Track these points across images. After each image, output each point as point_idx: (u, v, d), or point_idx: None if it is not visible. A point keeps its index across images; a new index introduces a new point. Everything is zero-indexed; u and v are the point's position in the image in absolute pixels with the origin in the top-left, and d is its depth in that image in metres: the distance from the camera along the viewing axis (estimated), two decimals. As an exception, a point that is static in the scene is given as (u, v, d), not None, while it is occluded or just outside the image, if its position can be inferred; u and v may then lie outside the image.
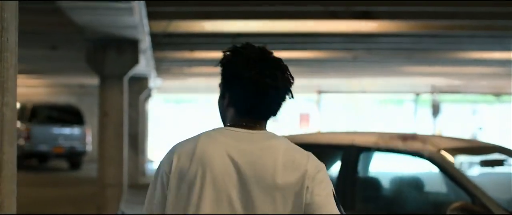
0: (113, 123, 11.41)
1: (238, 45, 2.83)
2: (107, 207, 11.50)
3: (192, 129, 32.53)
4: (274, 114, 2.80)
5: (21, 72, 20.79)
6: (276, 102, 2.79)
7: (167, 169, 2.74)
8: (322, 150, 6.07)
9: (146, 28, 10.75)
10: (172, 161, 2.73)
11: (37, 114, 24.68)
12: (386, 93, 31.98)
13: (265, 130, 2.77)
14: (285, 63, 2.79)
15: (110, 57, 11.27)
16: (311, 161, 2.73)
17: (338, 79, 27.13)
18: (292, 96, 2.81)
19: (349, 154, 5.69)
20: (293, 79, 2.81)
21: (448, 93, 29.34)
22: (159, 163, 2.83)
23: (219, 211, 2.64)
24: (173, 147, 2.81)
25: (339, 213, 2.67)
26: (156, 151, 30.08)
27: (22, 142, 23.72)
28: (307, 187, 2.66)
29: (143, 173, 21.80)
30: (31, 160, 25.27)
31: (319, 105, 30.86)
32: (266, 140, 2.72)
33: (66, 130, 24.52)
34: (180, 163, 2.71)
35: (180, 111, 32.79)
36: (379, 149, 5.60)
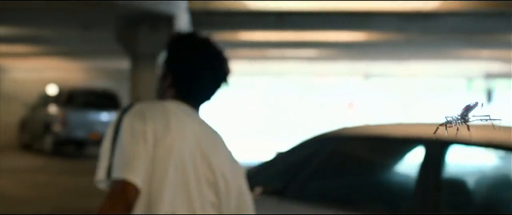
0: (146, 108, 10.36)
1: (185, 33, 3.05)
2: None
3: (232, 113, 31.73)
4: (209, 99, 3.06)
5: (55, 53, 19.95)
6: (213, 88, 3.04)
7: (146, 128, 2.79)
8: (395, 144, 4.99)
9: (184, 4, 9.71)
10: (148, 125, 2.79)
11: (73, 99, 23.87)
12: (437, 79, 30.66)
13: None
14: (226, 55, 3.03)
15: (143, 35, 10.19)
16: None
17: (386, 63, 25.95)
18: (227, 84, 3.07)
19: (432, 149, 4.55)
20: (230, 70, 3.04)
21: (502, 79, 27.98)
22: (125, 122, 2.81)
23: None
24: (141, 109, 2.85)
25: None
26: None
27: (57, 128, 22.99)
28: (239, 185, 2.99)
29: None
30: (67, 147, 24.51)
31: (365, 91, 29.68)
32: (213, 130, 3.02)
33: (103, 116, 23.71)
34: (156, 130, 2.79)
35: (220, 96, 31.68)
36: (476, 144, 4.45)
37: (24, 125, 25.87)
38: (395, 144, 5.16)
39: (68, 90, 24.04)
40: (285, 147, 5.19)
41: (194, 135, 2.87)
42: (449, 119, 2.39)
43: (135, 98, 10.38)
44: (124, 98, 24.95)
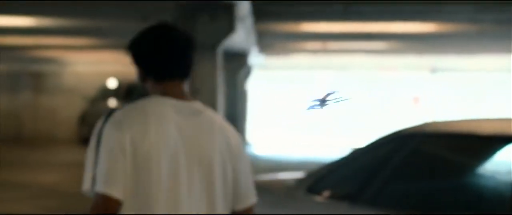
0: (205, 102, 9.72)
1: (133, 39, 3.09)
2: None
3: (295, 109, 31.15)
4: (183, 70, 3.01)
5: (114, 46, 19.68)
6: (177, 60, 3.01)
7: (122, 138, 2.83)
8: (484, 142, 4.35)
9: (245, -7, 9.15)
10: (125, 130, 2.84)
11: (133, 92, 23.57)
12: (508, 73, 29.63)
13: (189, 96, 2.99)
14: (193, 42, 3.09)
15: (201, 24, 9.61)
16: (236, 136, 2.98)
17: (455, 56, 25.10)
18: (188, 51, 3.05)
19: None
20: (181, 40, 3.04)
21: None
22: (105, 134, 2.88)
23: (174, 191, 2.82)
24: (118, 118, 2.89)
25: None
26: (255, 133, 28.76)
27: (117, 121, 22.66)
28: (234, 164, 2.95)
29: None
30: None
31: (431, 86, 28.86)
32: (200, 112, 2.96)
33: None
34: (134, 139, 2.82)
35: (283, 90, 31.30)
36: None
37: (83, 119, 25.70)
38: (484, 142, 4.51)
39: (128, 84, 23.77)
40: (355, 143, 4.52)
41: (178, 128, 2.88)
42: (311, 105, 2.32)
43: (194, 91, 9.82)
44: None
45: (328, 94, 3.06)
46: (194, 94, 9.87)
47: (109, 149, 2.85)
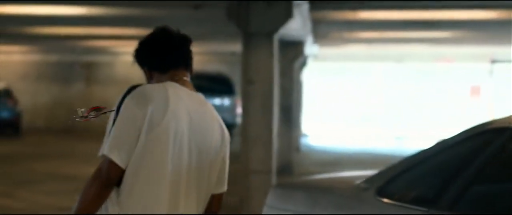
0: (260, 93, 9.18)
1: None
2: (252, 200, 9.37)
3: (350, 101, 30.67)
4: (181, 63, 3.37)
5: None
6: (173, 55, 3.36)
7: (139, 112, 3.11)
8: None
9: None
10: (147, 108, 3.11)
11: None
12: None
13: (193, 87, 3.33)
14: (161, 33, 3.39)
15: (257, 10, 9.03)
16: (225, 128, 3.34)
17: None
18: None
19: None
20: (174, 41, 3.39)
21: None
22: (124, 104, 3.17)
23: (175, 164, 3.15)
24: (143, 92, 3.18)
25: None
26: (310, 124, 28.30)
27: (168, 113, 22.38)
28: (224, 153, 3.30)
29: (297, 148, 19.86)
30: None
31: (492, 77, 28.02)
32: (205, 102, 3.31)
33: (215, 100, 22.98)
34: (155, 112, 3.10)
35: (337, 81, 30.73)
36: None
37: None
38: None
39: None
40: (442, 134, 3.93)
41: (188, 113, 3.19)
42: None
43: (247, 81, 9.30)
44: (238, 82, 24.24)
45: (93, 109, 3.37)
46: (248, 85, 9.36)
47: (124, 119, 3.15)
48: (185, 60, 3.42)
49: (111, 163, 3.11)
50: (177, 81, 3.28)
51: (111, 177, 3.12)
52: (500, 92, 28.51)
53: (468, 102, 28.75)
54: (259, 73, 9.14)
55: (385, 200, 4.36)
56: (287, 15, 9.10)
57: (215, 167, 3.28)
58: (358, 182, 4.67)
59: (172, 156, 3.13)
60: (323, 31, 17.53)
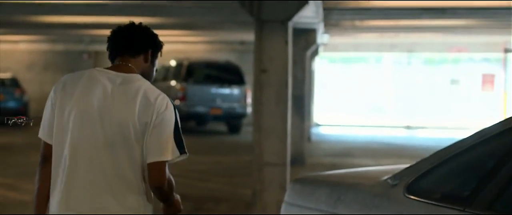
0: (274, 82, 8.81)
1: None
2: (266, 193, 9.05)
3: (361, 90, 30.34)
4: (126, 51, 3.78)
5: (175, 25, 19.11)
6: (121, 46, 3.80)
7: (54, 95, 3.70)
8: None
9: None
10: (59, 89, 3.69)
11: (193, 72, 22.93)
12: None
13: (132, 70, 3.71)
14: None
15: (270, -2, 8.70)
16: (158, 97, 3.62)
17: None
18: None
19: None
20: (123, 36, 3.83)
21: None
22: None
23: (82, 136, 3.60)
24: (61, 79, 3.76)
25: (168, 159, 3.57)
26: (321, 114, 28.03)
27: (177, 102, 22.10)
28: (155, 124, 3.56)
29: (308, 138, 19.57)
30: (187, 122, 23.62)
31: (506, 66, 27.64)
32: (130, 81, 3.66)
33: (225, 90, 22.71)
34: (64, 92, 3.65)
35: (347, 71, 30.40)
36: None
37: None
38: None
39: (189, 63, 23.11)
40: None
41: (104, 91, 3.61)
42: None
43: (261, 70, 8.96)
44: (247, 71, 23.95)
45: (14, 118, 4.05)
46: (261, 74, 9.03)
47: (47, 105, 3.71)
48: (126, 49, 3.77)
49: (44, 143, 3.71)
50: (118, 66, 3.72)
51: (42, 153, 3.72)
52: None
53: (481, 92, 28.37)
54: (273, 62, 8.79)
55: (415, 198, 4.04)
56: (302, 2, 8.74)
57: (137, 138, 3.55)
58: (385, 177, 4.34)
59: (73, 132, 3.59)
60: (334, 20, 17.19)
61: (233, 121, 23.14)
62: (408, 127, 27.88)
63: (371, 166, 15.41)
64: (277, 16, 8.70)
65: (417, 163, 4.26)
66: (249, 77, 23.91)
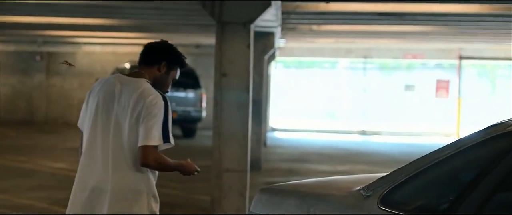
0: (235, 86, 8.56)
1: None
2: (225, 200, 8.81)
3: (316, 95, 30.22)
4: (145, 63, 4.72)
5: (131, 27, 18.81)
6: (145, 56, 4.76)
7: (87, 95, 4.72)
8: None
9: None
10: (91, 90, 4.71)
11: (148, 74, 22.59)
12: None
13: (143, 76, 4.63)
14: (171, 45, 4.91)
15: (233, -1, 8.46)
16: (150, 96, 4.52)
17: (484, 43, 24.00)
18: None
19: None
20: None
21: None
22: None
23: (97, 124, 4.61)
24: (95, 83, 4.81)
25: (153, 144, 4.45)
26: (277, 119, 27.90)
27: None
28: (145, 115, 4.47)
29: (264, 143, 19.39)
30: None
31: (460, 72, 27.76)
32: (134, 83, 4.57)
33: (180, 94, 22.43)
34: (92, 92, 4.68)
35: (303, 75, 30.28)
36: None
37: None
38: None
39: (143, 66, 22.80)
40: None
41: (118, 92, 4.56)
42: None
43: (221, 74, 8.73)
44: (202, 75, 23.72)
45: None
46: (221, 78, 8.80)
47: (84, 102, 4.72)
48: (143, 61, 4.71)
49: (80, 131, 4.74)
50: (133, 73, 4.68)
51: (80, 137, 4.77)
52: (468, 89, 28.31)
53: (435, 98, 28.46)
54: (234, 65, 8.56)
55: (390, 210, 3.85)
56: (265, 4, 8.53)
57: (131, 125, 4.47)
58: (357, 188, 4.14)
59: (90, 121, 4.59)
60: (292, 24, 17.03)
61: (188, 125, 22.90)
62: (363, 132, 27.87)
63: (327, 172, 15.36)
64: (240, 18, 8.47)
65: (391, 173, 4.07)
66: (204, 81, 23.67)
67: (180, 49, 18.76)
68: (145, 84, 4.54)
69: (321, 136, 26.08)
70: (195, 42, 24.06)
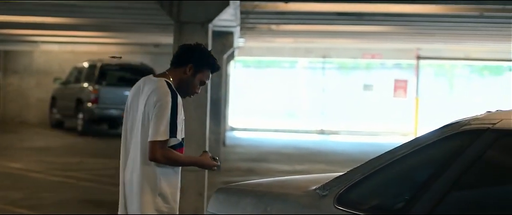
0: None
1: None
2: (183, 200, 8.75)
3: (275, 94, 30.26)
4: (173, 64, 4.98)
5: (90, 26, 18.68)
6: (174, 58, 5.00)
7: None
8: None
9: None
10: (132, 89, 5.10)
11: (106, 74, 22.48)
12: (493, 61, 28.78)
13: (166, 76, 4.87)
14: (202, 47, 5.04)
15: (191, -2, 8.44)
16: (159, 94, 4.72)
17: (442, 43, 24.23)
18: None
19: None
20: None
21: None
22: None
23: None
24: None
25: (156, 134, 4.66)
26: (236, 118, 27.89)
27: (89, 105, 21.63)
28: (147, 111, 4.73)
29: (223, 143, 19.38)
30: (100, 125, 23.17)
31: (418, 72, 27.98)
32: (153, 83, 4.81)
33: (139, 93, 22.30)
34: (131, 90, 5.04)
35: (262, 75, 30.30)
36: None
37: (55, 101, 24.57)
38: None
39: (102, 65, 22.64)
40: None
41: (139, 89, 4.83)
42: None
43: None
44: (161, 74, 23.62)
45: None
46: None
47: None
48: (172, 62, 4.94)
49: None
50: (160, 74, 4.94)
51: None
52: (425, 88, 28.54)
53: (393, 98, 28.65)
54: (192, 64, 8.53)
55: (346, 209, 3.87)
56: (224, 3, 8.52)
57: (144, 122, 4.71)
58: (314, 187, 4.15)
59: (124, 119, 4.90)
60: (251, 23, 17.04)
61: (147, 124, 22.78)
62: (321, 132, 27.98)
63: (286, 171, 15.40)
64: (198, 17, 8.45)
65: (347, 173, 4.09)
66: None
67: (138, 48, 18.64)
68: (160, 83, 4.72)
69: (280, 136, 26.14)
70: (154, 41, 23.98)
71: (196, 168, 8.79)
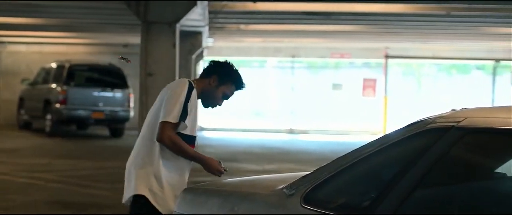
0: (161, 86, 8.50)
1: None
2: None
3: (244, 94, 30.13)
4: (201, 75, 5.31)
5: (57, 26, 18.59)
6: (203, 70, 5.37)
7: None
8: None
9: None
10: None
11: (74, 75, 22.32)
12: (461, 60, 29.00)
13: (197, 80, 5.22)
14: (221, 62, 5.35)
15: (158, -1, 8.43)
16: (171, 85, 5.07)
17: (410, 42, 24.39)
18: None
19: None
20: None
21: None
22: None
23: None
24: None
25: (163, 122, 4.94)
26: (205, 118, 27.85)
27: (57, 105, 21.49)
28: (161, 101, 5.05)
29: (192, 143, 19.31)
30: (68, 126, 23.03)
31: (386, 71, 28.12)
32: (176, 81, 5.20)
33: (107, 94, 22.22)
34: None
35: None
36: None
37: (22, 102, 24.39)
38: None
39: (70, 65, 22.51)
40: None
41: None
42: None
43: (146, 74, 8.69)
44: (130, 75, 23.58)
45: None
46: (147, 78, 8.76)
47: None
48: (201, 73, 5.27)
49: None
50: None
51: None
52: (394, 87, 28.69)
53: (362, 97, 28.77)
54: (159, 65, 8.53)
55: (313, 208, 3.88)
56: (191, 3, 8.50)
57: (155, 110, 5.01)
58: (281, 186, 4.16)
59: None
60: (220, 23, 17.05)
61: (115, 125, 22.68)
62: (291, 131, 28.02)
63: (255, 171, 15.40)
64: (165, 17, 8.44)
65: (314, 172, 4.10)
66: (132, 81, 23.50)
67: (107, 49, 18.55)
68: (180, 79, 5.13)
69: (250, 135, 26.14)
70: (123, 41, 23.90)
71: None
